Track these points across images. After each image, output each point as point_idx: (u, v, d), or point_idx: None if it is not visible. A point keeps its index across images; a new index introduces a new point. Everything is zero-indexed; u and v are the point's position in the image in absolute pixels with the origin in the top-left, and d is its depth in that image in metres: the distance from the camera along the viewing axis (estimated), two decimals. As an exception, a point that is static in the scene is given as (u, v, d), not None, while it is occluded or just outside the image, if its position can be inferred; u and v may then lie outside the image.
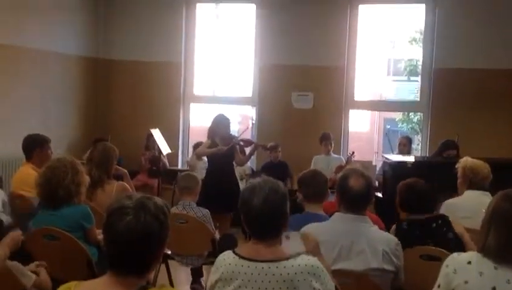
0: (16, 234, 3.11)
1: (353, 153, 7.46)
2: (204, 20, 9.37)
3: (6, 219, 4.05)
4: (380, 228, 3.13)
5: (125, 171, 4.79)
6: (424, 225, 3.44)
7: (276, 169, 7.75)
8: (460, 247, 3.28)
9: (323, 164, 7.54)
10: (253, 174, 8.11)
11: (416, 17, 13.16)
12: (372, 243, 2.89)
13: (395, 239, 2.99)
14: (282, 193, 2.36)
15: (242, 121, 14.58)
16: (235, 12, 10.55)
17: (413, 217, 3.49)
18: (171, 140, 8.05)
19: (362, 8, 8.58)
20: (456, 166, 4.33)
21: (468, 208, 3.90)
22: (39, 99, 7.57)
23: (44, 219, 3.55)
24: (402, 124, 16.47)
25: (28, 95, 7.35)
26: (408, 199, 3.58)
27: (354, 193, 2.96)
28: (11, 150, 6.32)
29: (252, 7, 8.81)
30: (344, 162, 7.53)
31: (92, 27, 8.67)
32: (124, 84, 8.88)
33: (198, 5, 9.02)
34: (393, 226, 3.52)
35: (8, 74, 7.03)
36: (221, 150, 5.99)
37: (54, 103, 7.89)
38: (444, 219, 3.49)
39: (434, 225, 3.44)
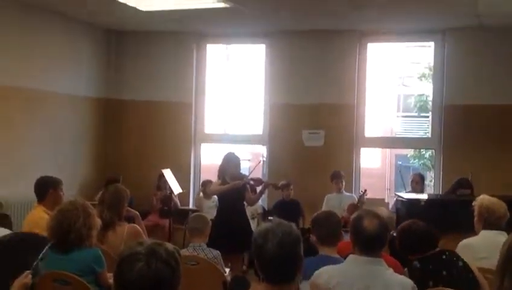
0: (25, 278, 3.07)
1: (365, 191, 7.40)
2: (214, 60, 9.48)
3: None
4: (397, 271, 3.07)
5: (137, 213, 4.78)
6: (436, 258, 3.44)
7: (288, 207, 7.72)
8: (470, 274, 3.36)
9: (335, 202, 7.49)
10: (265, 213, 8.07)
11: (426, 53, 13.25)
12: (388, 287, 2.82)
13: (411, 283, 2.92)
14: (295, 236, 2.33)
15: (253, 158, 14.57)
16: (245, 52, 10.68)
17: (424, 256, 3.48)
18: (182, 180, 8.04)
19: (371, 46, 8.66)
20: (473, 204, 4.28)
21: (484, 248, 3.83)
22: (52, 140, 7.64)
23: (55, 262, 3.51)
24: (414, 160, 16.37)
25: (41, 137, 7.44)
26: (408, 242, 3.61)
27: (369, 235, 2.90)
28: (23, 192, 6.34)
29: (262, 47, 8.92)
30: (356, 200, 7.46)
31: (104, 68, 8.80)
32: (135, 124, 8.95)
33: (209, 46, 9.14)
34: (406, 270, 3.46)
35: (24, 117, 7.14)
36: (237, 185, 5.96)
37: (66, 144, 7.96)
38: (450, 251, 3.53)
39: (444, 256, 3.46)
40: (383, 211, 4.03)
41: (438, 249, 3.56)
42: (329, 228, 3.58)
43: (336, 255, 3.47)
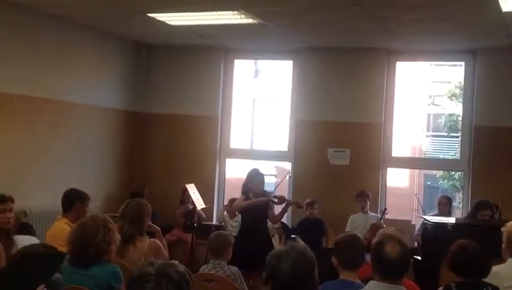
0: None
1: (385, 209, 7.28)
2: (242, 76, 9.51)
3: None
4: None
5: (158, 228, 4.76)
6: (475, 287, 3.29)
7: (311, 226, 7.65)
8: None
9: (360, 222, 7.38)
10: (288, 231, 7.99)
11: (457, 71, 13.07)
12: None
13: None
14: (310, 258, 2.28)
15: (278, 174, 14.53)
16: (273, 68, 10.70)
17: (464, 280, 3.33)
18: (207, 194, 8.04)
19: (400, 64, 8.57)
20: (502, 230, 4.14)
21: (510, 276, 3.69)
22: (78, 152, 7.73)
23: (73, 277, 3.51)
24: (443, 180, 16.11)
25: (68, 148, 7.52)
26: (461, 261, 3.42)
27: (390, 262, 2.82)
28: (47, 203, 6.44)
29: (289, 63, 8.91)
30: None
31: (132, 81, 8.88)
32: (161, 138, 8.99)
33: (237, 61, 9.17)
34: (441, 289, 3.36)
35: (51, 128, 7.24)
36: (260, 202, 5.96)
37: (92, 156, 8.03)
38: (492, 286, 3.34)
39: (484, 289, 3.30)
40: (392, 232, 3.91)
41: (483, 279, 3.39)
42: (352, 253, 3.46)
43: (357, 281, 3.37)
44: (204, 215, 8.19)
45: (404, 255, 2.85)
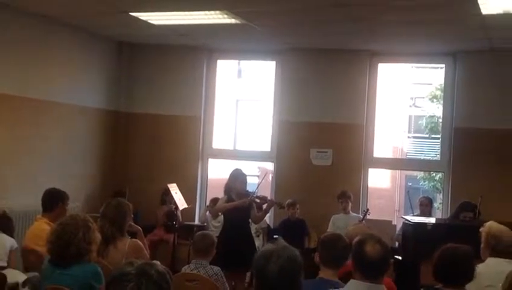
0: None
1: (367, 210, 7.33)
2: (225, 76, 9.50)
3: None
4: None
5: (139, 228, 4.74)
6: None
7: (293, 226, 7.66)
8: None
9: (342, 222, 7.40)
10: (270, 231, 8.01)
11: (437, 74, 13.21)
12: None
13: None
14: (299, 263, 2.29)
15: (261, 174, 14.56)
16: (256, 68, 10.71)
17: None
18: (189, 194, 8.02)
19: (382, 66, 8.64)
20: (480, 230, 4.20)
21: (489, 276, 3.74)
22: (59, 151, 7.65)
23: (54, 276, 3.49)
24: (424, 181, 16.26)
25: (49, 147, 7.45)
26: (445, 267, 3.39)
27: (371, 261, 2.84)
28: (28, 203, 6.36)
29: (272, 64, 8.93)
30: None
31: (115, 80, 8.82)
32: (143, 137, 8.95)
33: (220, 61, 9.16)
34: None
35: (33, 127, 7.17)
36: (242, 204, 5.98)
37: (74, 155, 7.96)
38: None
39: None
40: (358, 229, 3.94)
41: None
42: (335, 252, 3.50)
43: (336, 280, 3.40)
44: (181, 218, 8.14)
45: (384, 254, 2.88)
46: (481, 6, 5.51)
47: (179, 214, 7.86)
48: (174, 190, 7.32)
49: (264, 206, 6.38)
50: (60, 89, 7.63)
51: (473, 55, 7.83)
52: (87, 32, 8.01)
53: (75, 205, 6.78)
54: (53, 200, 4.97)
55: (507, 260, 3.88)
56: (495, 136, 7.68)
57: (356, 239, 3.03)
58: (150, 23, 7.12)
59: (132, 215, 4.59)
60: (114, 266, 3.95)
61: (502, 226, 4.11)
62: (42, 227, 4.65)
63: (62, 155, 7.70)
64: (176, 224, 7.35)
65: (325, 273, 3.44)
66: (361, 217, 7.38)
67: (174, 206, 7.51)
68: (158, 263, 1.96)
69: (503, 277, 3.16)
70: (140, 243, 4.46)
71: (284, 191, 8.15)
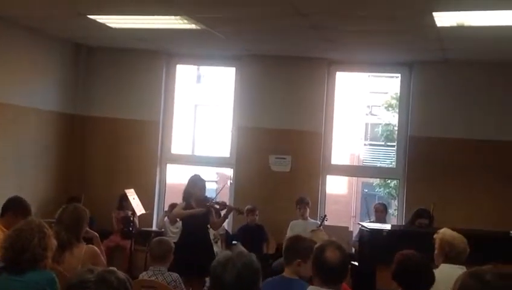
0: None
1: (325, 216, 7.42)
2: (184, 81, 9.46)
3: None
4: None
5: (96, 234, 4.66)
6: None
7: (252, 232, 7.69)
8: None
9: (300, 228, 7.43)
10: (229, 237, 8.00)
11: (393, 83, 13.49)
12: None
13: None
14: (256, 269, 2.28)
15: (219, 180, 14.53)
16: (216, 74, 10.71)
17: None
18: (146, 200, 7.94)
19: (340, 75, 8.77)
20: (434, 237, 4.30)
21: (443, 282, 3.82)
22: (13, 155, 7.45)
23: (8, 283, 3.39)
24: (379, 188, 16.56)
25: (2, 150, 7.24)
26: (405, 272, 3.44)
27: (331, 266, 2.89)
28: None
29: (232, 70, 8.95)
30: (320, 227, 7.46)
31: (71, 83, 8.65)
32: (100, 142, 8.81)
33: (179, 66, 9.12)
34: None
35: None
36: (201, 211, 5.96)
37: (28, 159, 7.76)
38: None
39: None
40: (320, 235, 4.03)
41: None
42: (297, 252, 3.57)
43: (295, 277, 3.45)
44: (137, 224, 8.05)
45: (344, 260, 2.93)
46: (436, 19, 5.67)
47: (136, 220, 7.78)
48: (132, 195, 7.24)
49: (223, 212, 6.38)
50: (15, 91, 7.43)
51: (428, 65, 8.04)
52: (43, 35, 7.83)
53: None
54: (4, 208, 4.85)
55: (460, 266, 3.99)
56: (448, 145, 7.91)
57: (317, 245, 3.07)
58: (108, 27, 7.02)
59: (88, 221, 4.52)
60: (70, 272, 3.87)
61: (455, 233, 4.21)
62: (-5, 232, 4.51)
63: (16, 159, 7.50)
64: (132, 230, 7.26)
65: (288, 273, 3.51)
66: (319, 223, 7.45)
67: (131, 212, 7.42)
68: (117, 270, 1.93)
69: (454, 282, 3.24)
70: (97, 249, 4.39)
71: (243, 197, 8.16)
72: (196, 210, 5.99)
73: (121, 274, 1.89)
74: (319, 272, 2.93)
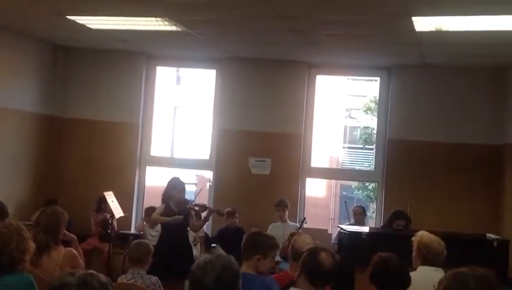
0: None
1: (304, 219, 7.44)
2: (164, 83, 9.42)
3: None
4: None
5: (74, 237, 4.61)
6: None
7: (232, 235, 7.64)
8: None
9: (279, 231, 7.46)
10: (208, 240, 7.97)
11: (372, 86, 13.62)
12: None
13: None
14: (235, 271, 2.28)
15: (199, 182, 14.49)
16: (196, 76, 10.69)
17: None
18: (125, 202, 7.88)
19: (320, 78, 8.82)
20: (412, 239, 4.34)
21: (421, 284, 3.86)
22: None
23: (-17, 287, 3.34)
24: (358, 191, 16.67)
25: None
26: (383, 274, 3.46)
27: (324, 270, 2.91)
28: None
29: (212, 72, 8.94)
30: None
31: (49, 84, 8.56)
32: (79, 144, 8.73)
33: (159, 68, 9.08)
34: None
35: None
36: (178, 220, 5.94)
37: (4, 161, 7.66)
38: None
39: None
40: (307, 239, 4.05)
41: None
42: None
43: (251, 272, 3.47)
44: (116, 227, 7.97)
45: (336, 266, 2.96)
46: (415, 24, 5.74)
47: (115, 222, 7.72)
48: (111, 198, 7.19)
49: (204, 214, 6.36)
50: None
51: (407, 69, 8.14)
52: (21, 34, 7.74)
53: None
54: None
55: (437, 268, 4.03)
56: (426, 148, 8.01)
57: (308, 249, 3.08)
58: (87, 27, 6.97)
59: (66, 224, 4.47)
60: (48, 276, 3.83)
61: (432, 236, 4.26)
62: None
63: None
64: (111, 233, 7.19)
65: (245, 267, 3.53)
66: (299, 225, 7.47)
67: (109, 215, 7.35)
68: (98, 273, 1.92)
69: (431, 284, 3.28)
70: (75, 252, 4.34)
71: (222, 200, 8.14)
72: (172, 218, 5.96)
73: (103, 277, 1.88)
74: (310, 274, 2.96)
